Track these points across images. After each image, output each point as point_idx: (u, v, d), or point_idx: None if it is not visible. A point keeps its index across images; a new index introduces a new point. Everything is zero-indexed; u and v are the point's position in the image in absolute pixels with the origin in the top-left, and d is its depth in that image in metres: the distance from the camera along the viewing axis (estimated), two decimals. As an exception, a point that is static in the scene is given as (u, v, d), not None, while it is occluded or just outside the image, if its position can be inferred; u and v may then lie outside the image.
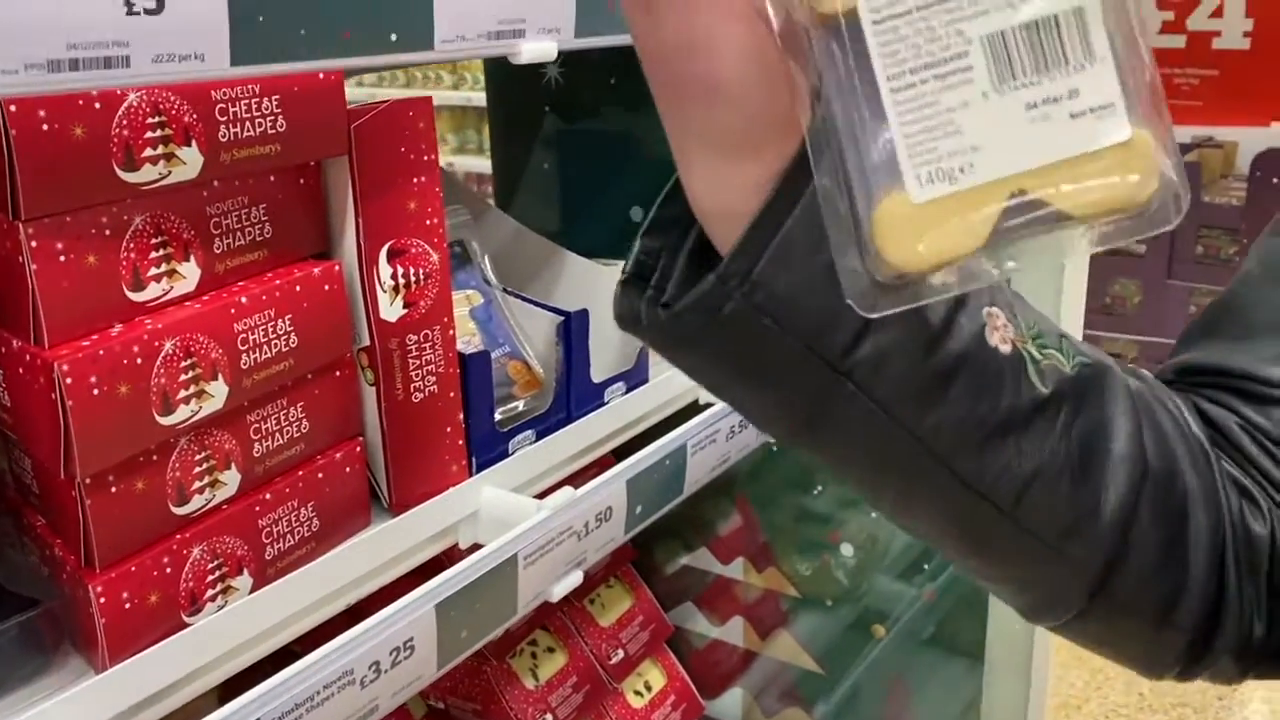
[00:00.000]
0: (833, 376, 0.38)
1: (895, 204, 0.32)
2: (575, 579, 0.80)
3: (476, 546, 0.77)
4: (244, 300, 0.62)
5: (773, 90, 0.35)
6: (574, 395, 0.89)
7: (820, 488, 1.22)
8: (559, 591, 0.79)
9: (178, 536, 0.62)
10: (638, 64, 0.38)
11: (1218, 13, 3.00)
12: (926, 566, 1.28)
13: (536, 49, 0.68)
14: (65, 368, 0.53)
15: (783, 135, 0.36)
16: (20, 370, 0.56)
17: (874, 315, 0.33)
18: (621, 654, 1.16)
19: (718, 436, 0.95)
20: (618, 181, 1.21)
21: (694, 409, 0.98)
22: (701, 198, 0.38)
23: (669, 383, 1.00)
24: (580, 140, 1.24)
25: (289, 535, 0.68)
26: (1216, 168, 2.87)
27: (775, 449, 1.13)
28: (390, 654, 0.65)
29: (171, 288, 0.60)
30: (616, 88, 1.18)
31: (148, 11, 0.47)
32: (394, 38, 0.59)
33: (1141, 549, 0.43)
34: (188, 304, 0.61)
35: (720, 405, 0.96)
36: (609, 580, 1.21)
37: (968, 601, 1.29)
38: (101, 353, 0.55)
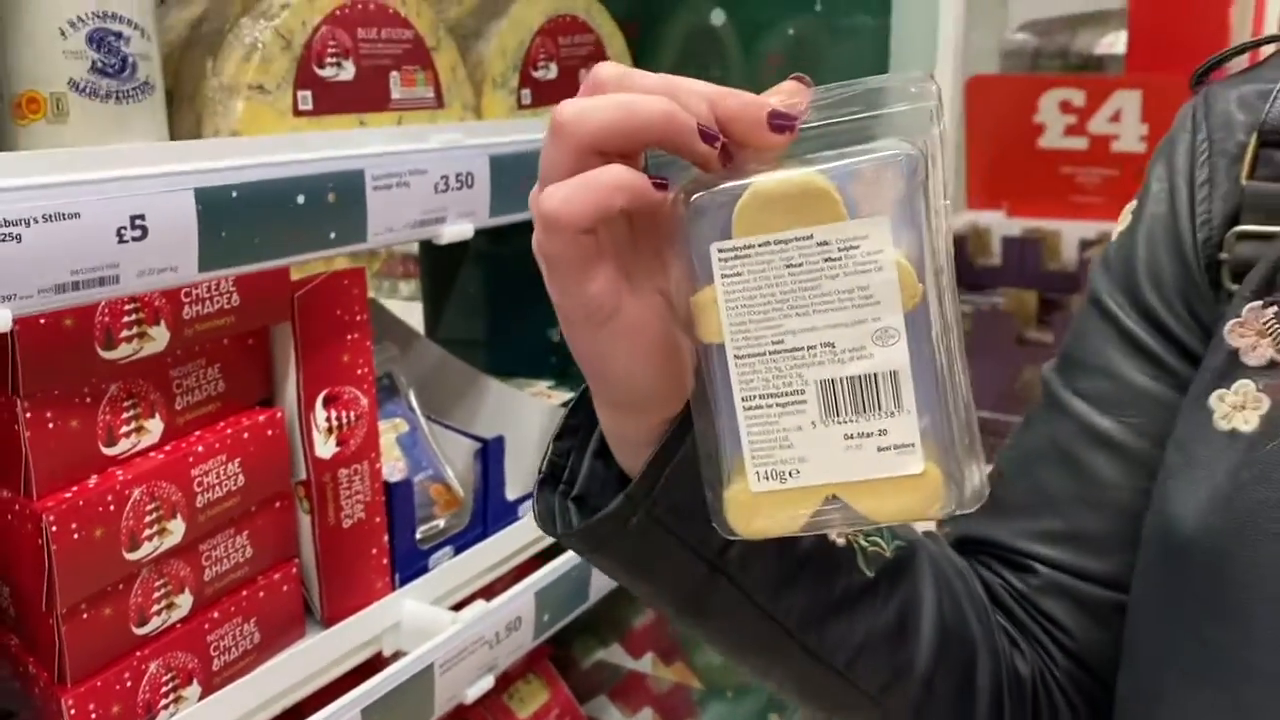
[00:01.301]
0: (712, 572, 0.48)
1: (739, 489, 0.42)
2: (487, 683, 0.90)
3: (400, 653, 0.87)
4: (200, 449, 0.73)
5: (653, 377, 0.43)
6: (490, 513, 1.01)
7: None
8: (472, 694, 0.89)
9: (137, 654, 0.71)
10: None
11: (1115, 118, 3.25)
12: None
13: (456, 230, 0.81)
14: (51, 517, 0.64)
15: (665, 403, 0.45)
16: (9, 516, 0.66)
17: (732, 538, 0.44)
18: (538, 745, 1.26)
19: (620, 547, 1.06)
20: (538, 304, 1.34)
21: (601, 520, 1.10)
22: (605, 426, 0.48)
23: (578, 497, 1.11)
24: (504, 264, 1.36)
25: (233, 648, 0.78)
26: (1116, 263, 3.09)
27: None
28: (321, 753, 0.75)
29: (139, 441, 0.71)
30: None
31: (134, 239, 0.59)
32: (333, 235, 0.72)
33: (941, 695, 0.54)
34: (152, 454, 0.72)
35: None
36: (527, 676, 1.31)
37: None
38: (81, 503, 0.65)
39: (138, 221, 0.59)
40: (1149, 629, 0.51)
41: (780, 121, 0.39)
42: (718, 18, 1.16)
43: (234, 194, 0.64)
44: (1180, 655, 0.48)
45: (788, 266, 0.40)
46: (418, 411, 1.02)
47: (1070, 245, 3.22)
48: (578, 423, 0.50)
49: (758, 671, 0.55)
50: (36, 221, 0.54)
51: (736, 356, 0.41)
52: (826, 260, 0.40)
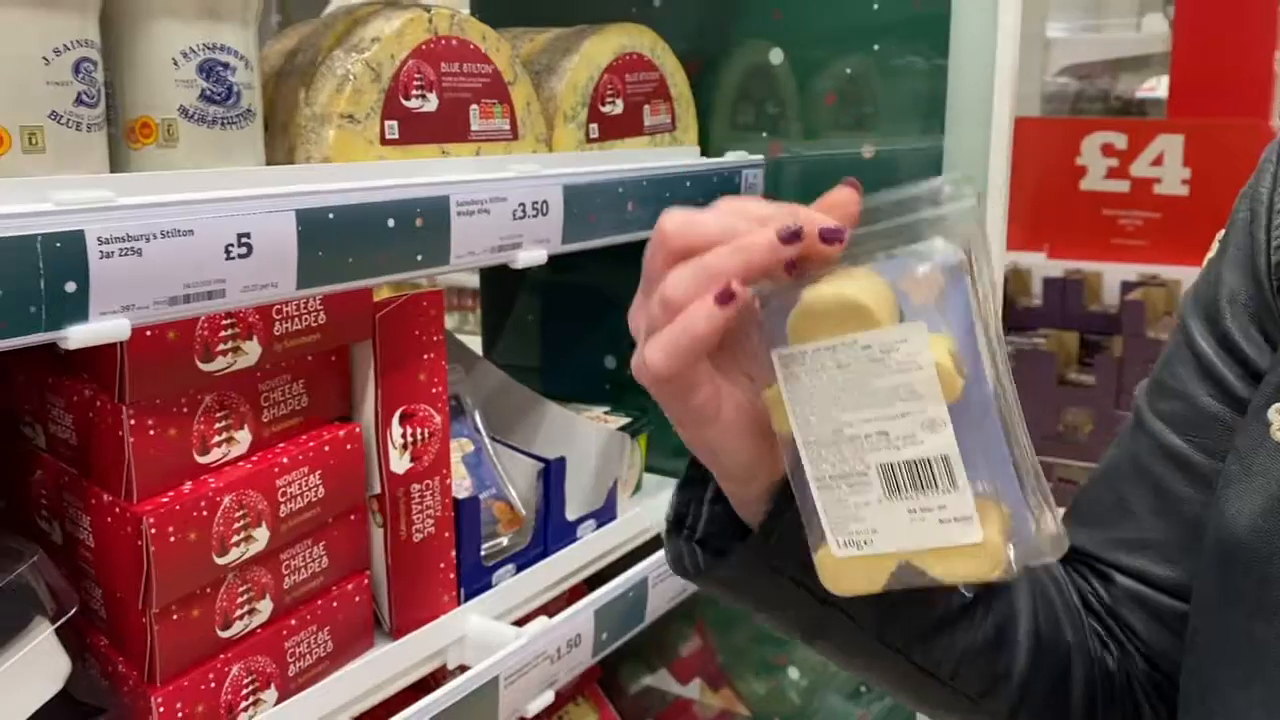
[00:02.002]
0: (824, 607, 0.54)
1: (826, 553, 0.48)
2: (548, 698, 0.92)
3: (463, 667, 0.90)
4: (285, 460, 0.77)
5: (754, 453, 0.50)
6: (550, 532, 1.03)
7: (768, 615, 1.35)
8: (533, 709, 0.91)
9: (221, 656, 0.74)
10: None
11: (1158, 161, 3.26)
12: (863, 690, 1.40)
13: (530, 256, 0.84)
14: (151, 520, 0.67)
15: (770, 472, 0.51)
16: (108, 519, 0.69)
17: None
18: (586, 767, 1.27)
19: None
20: (594, 332, 1.37)
21: (657, 543, 1.12)
22: (722, 486, 0.54)
23: (635, 520, 1.14)
24: (561, 293, 1.39)
25: (308, 655, 0.81)
26: (1160, 305, 3.08)
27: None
28: (391, 760, 0.77)
29: (229, 451, 0.74)
30: (597, 255, 1.34)
31: (240, 256, 0.62)
32: (419, 257, 0.75)
33: (1037, 697, 0.59)
34: (241, 464, 0.75)
35: (678, 543, 1.10)
36: (577, 699, 1.32)
37: (904, 722, 1.41)
38: (178, 507, 0.69)
39: (244, 239, 0.62)
40: (1204, 627, 0.54)
41: (831, 235, 0.46)
42: (776, 57, 1.19)
43: (331, 215, 0.67)
44: (1230, 652, 0.51)
45: (839, 368, 0.46)
46: (483, 432, 1.05)
47: (1112, 287, 3.21)
48: (696, 475, 0.57)
49: (870, 680, 0.61)
50: (155, 237, 0.58)
51: (804, 443, 0.47)
52: (872, 362, 0.45)
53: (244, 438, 0.75)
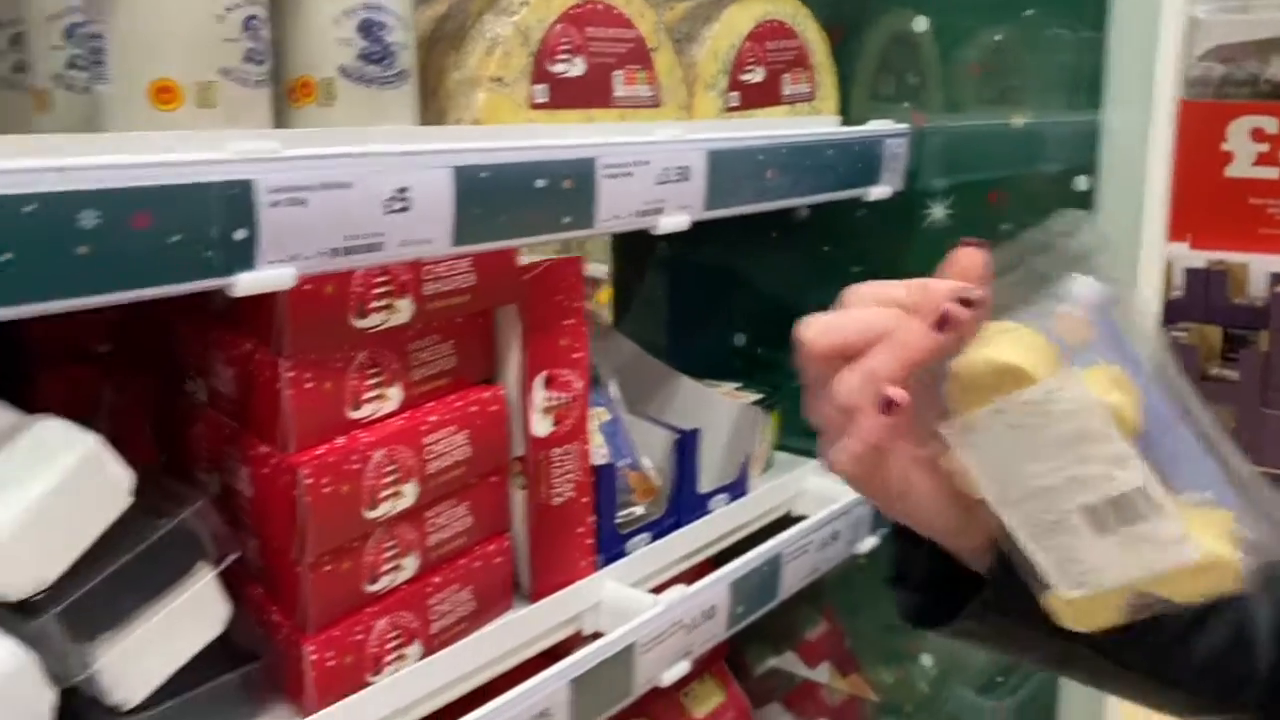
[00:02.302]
0: (1066, 642, 0.53)
1: (1054, 596, 0.48)
2: (683, 668, 0.92)
3: (598, 634, 0.90)
4: (434, 419, 0.77)
5: (957, 515, 0.51)
6: (683, 504, 1.02)
7: (901, 599, 1.31)
8: (669, 678, 0.90)
9: (368, 610, 0.76)
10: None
11: (1311, 145, 3.07)
12: (1002, 680, 1.35)
13: (672, 222, 0.83)
14: (307, 471, 0.68)
15: (980, 529, 0.52)
16: (265, 470, 0.71)
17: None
18: (713, 745, 1.26)
19: (809, 548, 1.07)
20: (723, 310, 1.36)
21: (786, 521, 1.10)
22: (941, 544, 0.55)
23: (766, 496, 1.12)
24: (691, 270, 1.39)
25: (450, 613, 0.82)
26: (1311, 298, 2.91)
27: (862, 562, 1.23)
28: (533, 718, 0.77)
29: (380, 408, 0.75)
30: (724, 232, 1.33)
31: (399, 210, 0.63)
32: (565, 219, 0.75)
33: None
34: (390, 421, 0.76)
35: (813, 520, 1.08)
36: (703, 676, 1.31)
37: (1040, 717, 1.36)
38: (331, 459, 0.70)
39: (402, 194, 0.63)
40: None
41: (971, 302, 0.46)
42: (920, 24, 1.15)
43: (484, 174, 0.67)
44: None
45: (1011, 428, 0.46)
46: (618, 401, 1.05)
47: (1258, 279, 3.04)
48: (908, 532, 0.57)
49: (1114, 693, 0.61)
50: (319, 189, 0.59)
51: (1000, 504, 0.48)
52: (1041, 415, 0.45)
53: (394, 395, 0.76)
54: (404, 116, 0.73)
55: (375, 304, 0.72)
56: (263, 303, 0.68)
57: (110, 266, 0.51)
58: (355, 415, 0.74)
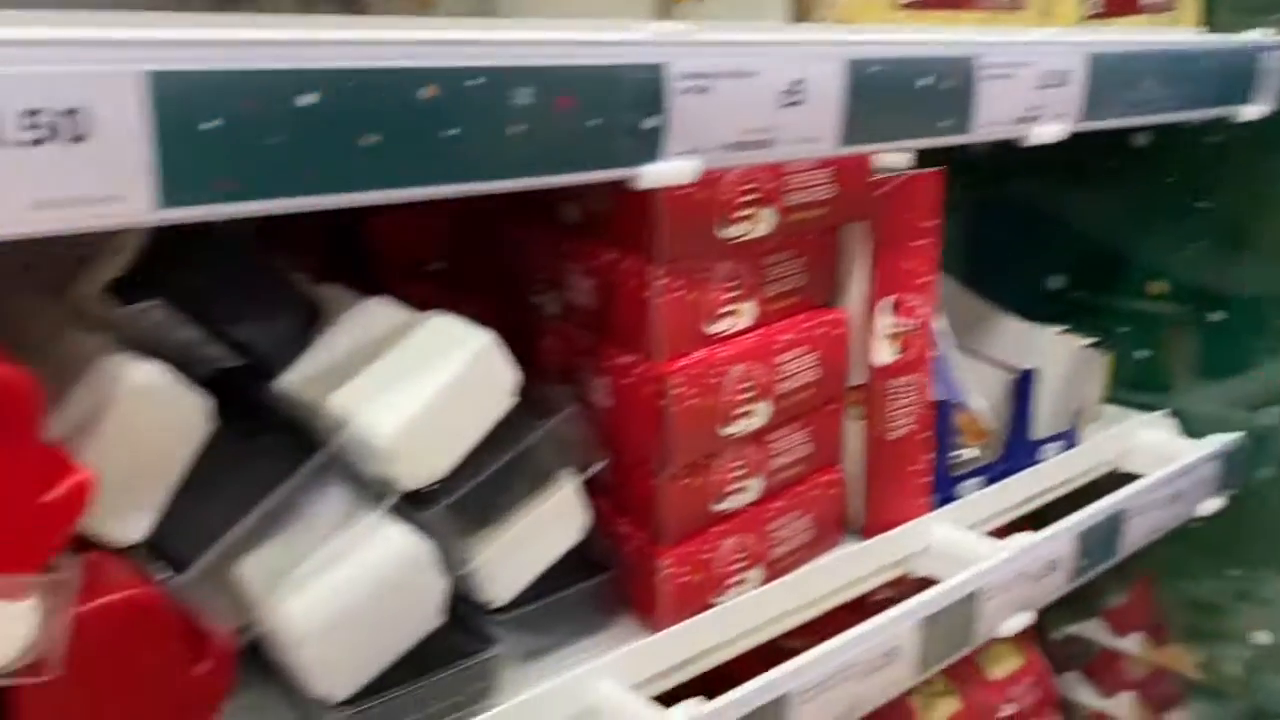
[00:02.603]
0: None
1: None
2: (1023, 620, 0.86)
3: (928, 579, 0.85)
4: (786, 337, 0.74)
5: None
6: (1016, 450, 0.96)
7: (1238, 571, 1.20)
8: (1008, 629, 0.85)
9: (715, 529, 0.74)
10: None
11: None
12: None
13: (1047, 132, 0.76)
14: (675, 380, 0.67)
15: None
16: (628, 381, 0.70)
17: None
18: (1013, 708, 1.19)
19: (1152, 506, 0.98)
20: (1037, 253, 1.26)
21: (1120, 478, 1.01)
22: None
23: (1097, 448, 1.03)
24: (1004, 209, 1.30)
25: (789, 540, 0.79)
26: None
27: (1194, 526, 1.13)
28: (882, 656, 0.73)
29: (734, 324, 0.73)
30: (1040, 166, 1.23)
31: (792, 105, 0.59)
32: (941, 124, 0.69)
33: None
34: (744, 337, 0.73)
35: (1157, 476, 0.99)
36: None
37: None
38: (695, 371, 0.68)
39: (798, 87, 0.59)
40: None
41: None
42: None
43: (874, 69, 0.63)
44: None
45: None
46: (946, 336, 0.99)
47: None
48: None
49: None
50: (725, 77, 0.56)
51: None
52: None
53: (747, 311, 0.74)
54: (776, 13, 0.69)
55: (740, 213, 0.69)
56: (633, 209, 0.67)
57: (536, 149, 0.50)
58: (712, 330, 0.71)
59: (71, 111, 0.37)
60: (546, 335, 0.79)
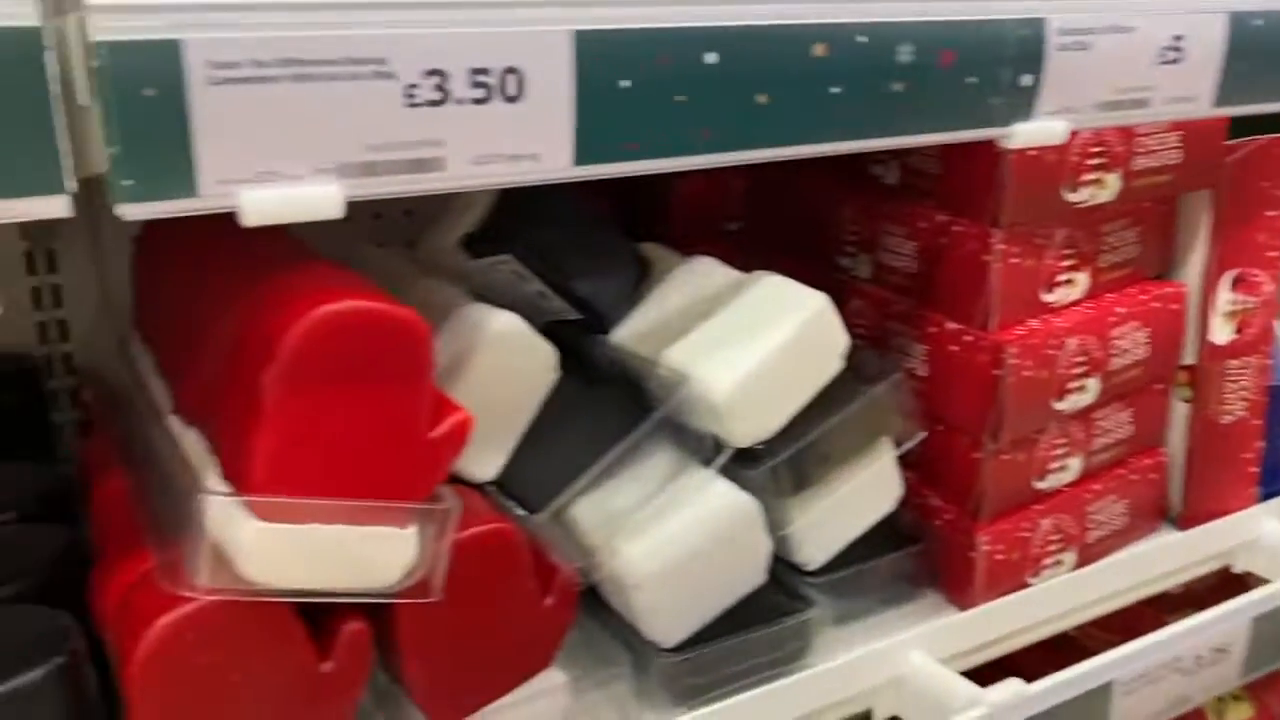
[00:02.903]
0: None
1: None
2: (1364, 628, 0.78)
3: (1250, 575, 0.79)
4: (1120, 310, 0.70)
5: None
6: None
7: None
8: (1346, 636, 0.78)
9: (1034, 507, 0.71)
10: None
11: None
12: None
13: None
14: (1012, 350, 0.64)
15: None
16: (954, 349, 0.68)
17: None
18: (1316, 721, 1.10)
19: None
20: None
21: None
22: None
23: None
24: None
25: (1105, 525, 0.75)
26: None
27: None
28: (1212, 652, 0.69)
29: (1068, 294, 0.69)
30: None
31: (1170, 62, 0.56)
32: (1325, 82, 0.63)
33: None
34: (1078, 308, 0.70)
35: None
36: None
37: None
38: (1034, 341, 0.65)
39: (1178, 43, 0.55)
40: None
41: None
42: None
43: (1257, 22, 0.58)
44: None
45: None
46: (1276, 317, 0.91)
47: None
48: None
49: None
50: (1103, 32, 0.53)
51: None
52: None
53: (1082, 281, 0.70)
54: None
55: (1088, 177, 0.66)
56: (970, 170, 0.65)
57: (913, 107, 0.48)
58: (1047, 298, 0.68)
59: (512, 70, 0.39)
60: (854, 299, 0.78)
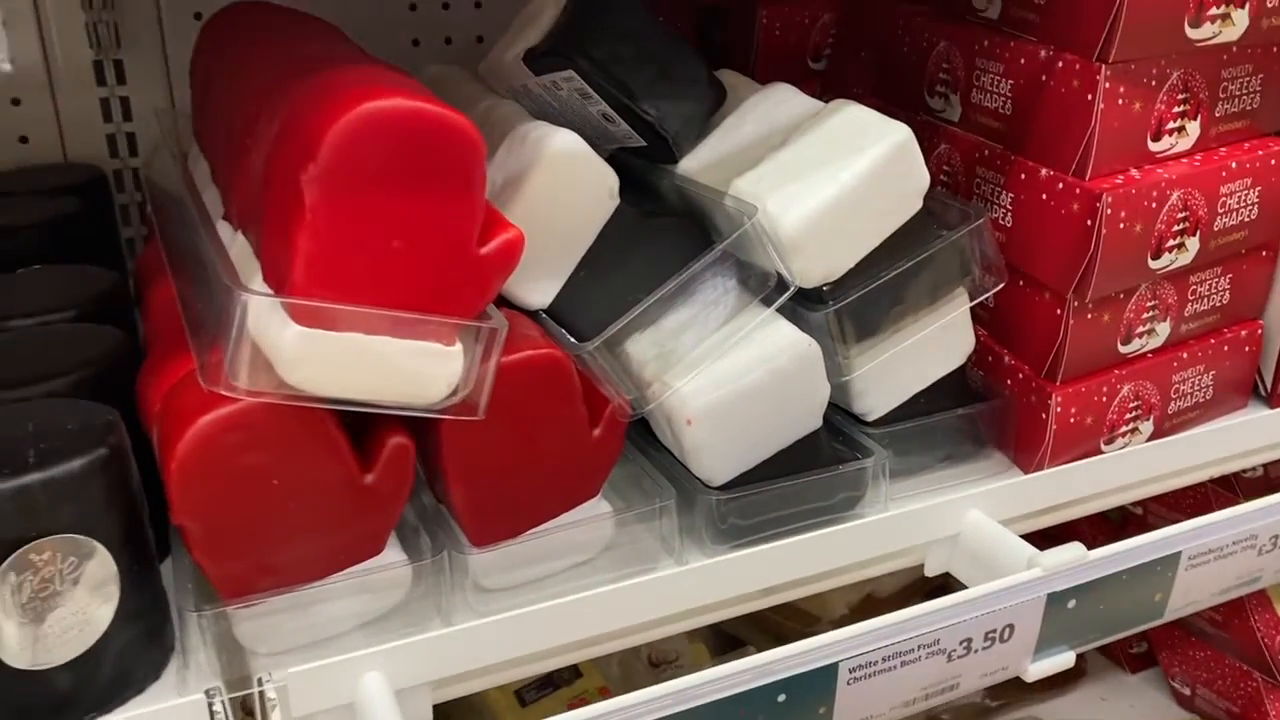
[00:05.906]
0: None
1: None
2: None
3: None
4: (1232, 165, 0.65)
5: None
6: None
7: None
8: None
9: (1116, 371, 0.67)
10: None
11: None
12: None
13: None
14: (1109, 199, 0.59)
15: None
16: (1046, 197, 0.63)
17: None
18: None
19: None
20: None
21: None
22: None
23: None
24: None
25: (1189, 396, 0.71)
26: None
27: None
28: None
29: (1176, 143, 0.64)
30: None
31: None
32: None
33: None
34: (1184, 161, 0.64)
35: None
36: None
37: None
38: (1134, 191, 0.60)
39: None
40: None
41: None
42: None
43: None
44: None
45: None
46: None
47: None
48: None
49: None
50: None
51: None
52: None
53: (1193, 130, 0.64)
54: None
55: (1214, 11, 0.59)
56: (1083, 4, 0.59)
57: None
58: (1153, 147, 0.63)
59: None
60: (940, 143, 0.73)
